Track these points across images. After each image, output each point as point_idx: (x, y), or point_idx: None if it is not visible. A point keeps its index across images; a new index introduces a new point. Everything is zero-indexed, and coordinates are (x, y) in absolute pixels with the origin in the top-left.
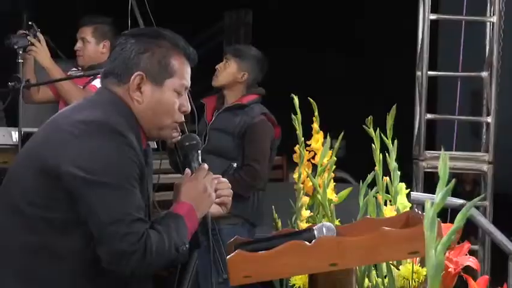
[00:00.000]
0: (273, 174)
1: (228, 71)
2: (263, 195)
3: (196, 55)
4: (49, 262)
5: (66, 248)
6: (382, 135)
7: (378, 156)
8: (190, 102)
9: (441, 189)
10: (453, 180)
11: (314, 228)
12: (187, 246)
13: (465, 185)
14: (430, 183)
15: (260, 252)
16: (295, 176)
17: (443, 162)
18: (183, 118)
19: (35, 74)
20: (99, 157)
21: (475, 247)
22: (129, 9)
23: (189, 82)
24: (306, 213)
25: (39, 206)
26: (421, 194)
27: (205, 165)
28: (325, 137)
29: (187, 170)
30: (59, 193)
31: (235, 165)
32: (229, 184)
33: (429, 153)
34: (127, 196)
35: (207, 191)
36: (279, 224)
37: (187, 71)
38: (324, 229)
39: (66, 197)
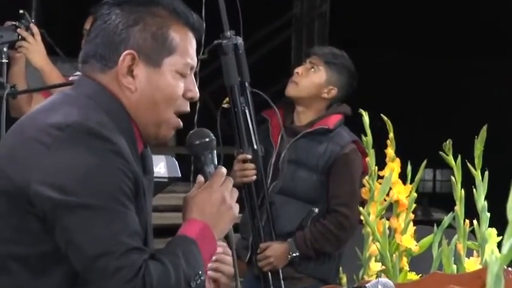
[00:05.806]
0: None
1: (313, 81)
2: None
3: (202, 24)
4: None
5: None
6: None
7: (458, 193)
8: (251, 117)
9: (510, 236)
10: None
11: (367, 285)
12: (202, 278)
13: None
14: None
15: None
16: (363, 217)
17: None
18: (188, 108)
19: (25, 78)
20: (77, 172)
21: None
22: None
23: (195, 60)
24: (375, 266)
25: (9, 240)
26: None
27: (223, 169)
28: (405, 165)
29: (200, 177)
30: (31, 222)
31: (316, 210)
32: (231, 260)
33: None
34: (116, 219)
35: (226, 202)
36: (344, 279)
37: (192, 45)
38: (380, 287)
39: (40, 226)
